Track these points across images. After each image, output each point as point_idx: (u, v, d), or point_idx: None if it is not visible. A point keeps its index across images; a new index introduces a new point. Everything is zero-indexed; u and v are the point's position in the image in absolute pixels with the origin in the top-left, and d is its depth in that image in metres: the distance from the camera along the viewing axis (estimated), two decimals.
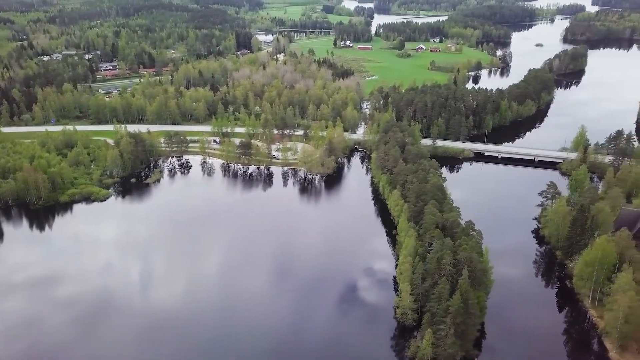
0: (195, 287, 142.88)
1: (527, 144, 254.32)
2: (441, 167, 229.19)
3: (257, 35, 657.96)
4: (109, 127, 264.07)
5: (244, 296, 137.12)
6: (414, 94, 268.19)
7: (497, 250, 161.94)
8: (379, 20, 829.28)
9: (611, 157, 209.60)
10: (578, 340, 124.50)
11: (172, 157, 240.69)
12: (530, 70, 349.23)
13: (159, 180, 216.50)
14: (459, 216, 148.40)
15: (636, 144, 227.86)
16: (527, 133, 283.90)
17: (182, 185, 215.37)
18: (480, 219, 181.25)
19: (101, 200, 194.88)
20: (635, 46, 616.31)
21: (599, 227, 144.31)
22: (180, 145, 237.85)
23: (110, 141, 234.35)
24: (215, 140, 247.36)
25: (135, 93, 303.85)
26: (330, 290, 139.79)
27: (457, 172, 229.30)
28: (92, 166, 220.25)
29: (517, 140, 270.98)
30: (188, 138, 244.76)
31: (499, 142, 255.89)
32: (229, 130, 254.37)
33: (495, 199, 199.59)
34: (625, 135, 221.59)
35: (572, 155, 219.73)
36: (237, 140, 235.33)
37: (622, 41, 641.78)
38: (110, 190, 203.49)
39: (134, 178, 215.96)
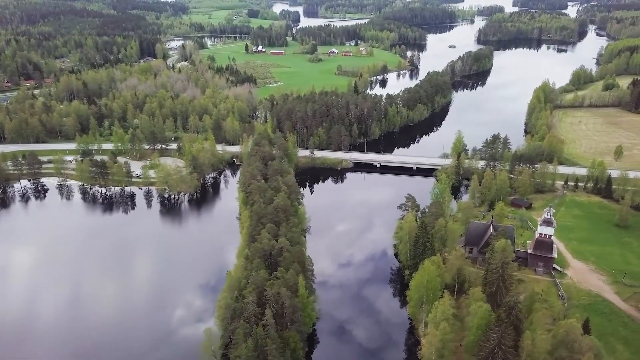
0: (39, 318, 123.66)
1: (416, 150, 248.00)
2: (319, 179, 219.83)
3: (171, 42, 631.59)
4: None
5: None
6: (295, 102, 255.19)
7: (355, 272, 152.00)
8: (306, 23, 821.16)
9: (483, 163, 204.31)
10: None
11: (29, 180, 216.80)
12: (428, 73, 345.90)
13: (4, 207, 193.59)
14: (300, 240, 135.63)
15: (514, 147, 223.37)
16: (420, 138, 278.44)
17: (29, 213, 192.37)
18: (343, 236, 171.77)
19: None
20: (544, 46, 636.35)
21: (444, 245, 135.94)
22: (32, 167, 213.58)
23: None
24: (76, 160, 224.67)
25: None
26: (156, 333, 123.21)
27: (340, 182, 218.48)
28: None
29: (411, 145, 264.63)
30: (47, 158, 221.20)
31: (390, 149, 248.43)
32: (95, 147, 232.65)
33: (366, 212, 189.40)
34: (501, 139, 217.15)
35: (449, 162, 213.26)
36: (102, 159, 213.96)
37: (531, 41, 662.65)
38: None
39: None
